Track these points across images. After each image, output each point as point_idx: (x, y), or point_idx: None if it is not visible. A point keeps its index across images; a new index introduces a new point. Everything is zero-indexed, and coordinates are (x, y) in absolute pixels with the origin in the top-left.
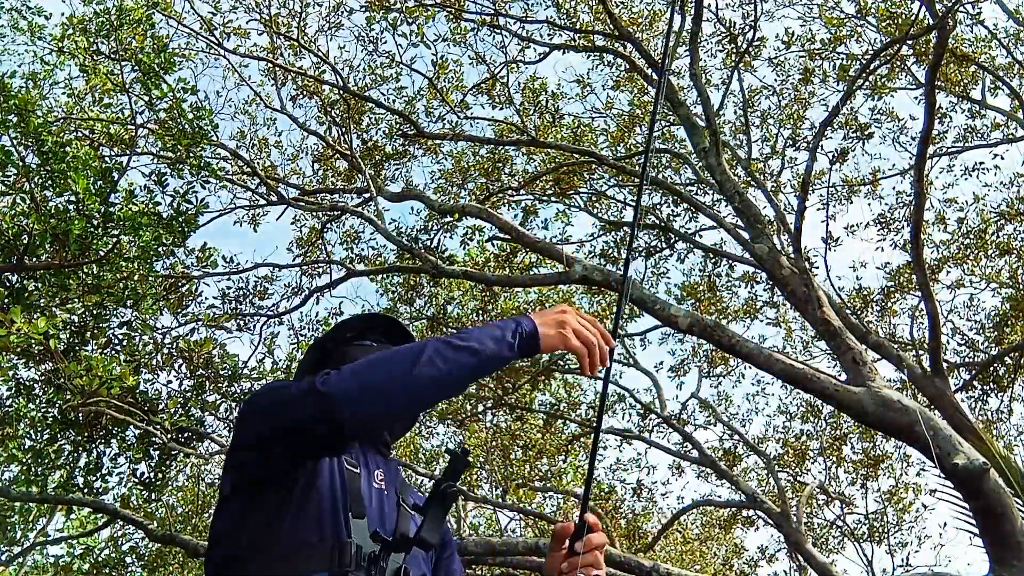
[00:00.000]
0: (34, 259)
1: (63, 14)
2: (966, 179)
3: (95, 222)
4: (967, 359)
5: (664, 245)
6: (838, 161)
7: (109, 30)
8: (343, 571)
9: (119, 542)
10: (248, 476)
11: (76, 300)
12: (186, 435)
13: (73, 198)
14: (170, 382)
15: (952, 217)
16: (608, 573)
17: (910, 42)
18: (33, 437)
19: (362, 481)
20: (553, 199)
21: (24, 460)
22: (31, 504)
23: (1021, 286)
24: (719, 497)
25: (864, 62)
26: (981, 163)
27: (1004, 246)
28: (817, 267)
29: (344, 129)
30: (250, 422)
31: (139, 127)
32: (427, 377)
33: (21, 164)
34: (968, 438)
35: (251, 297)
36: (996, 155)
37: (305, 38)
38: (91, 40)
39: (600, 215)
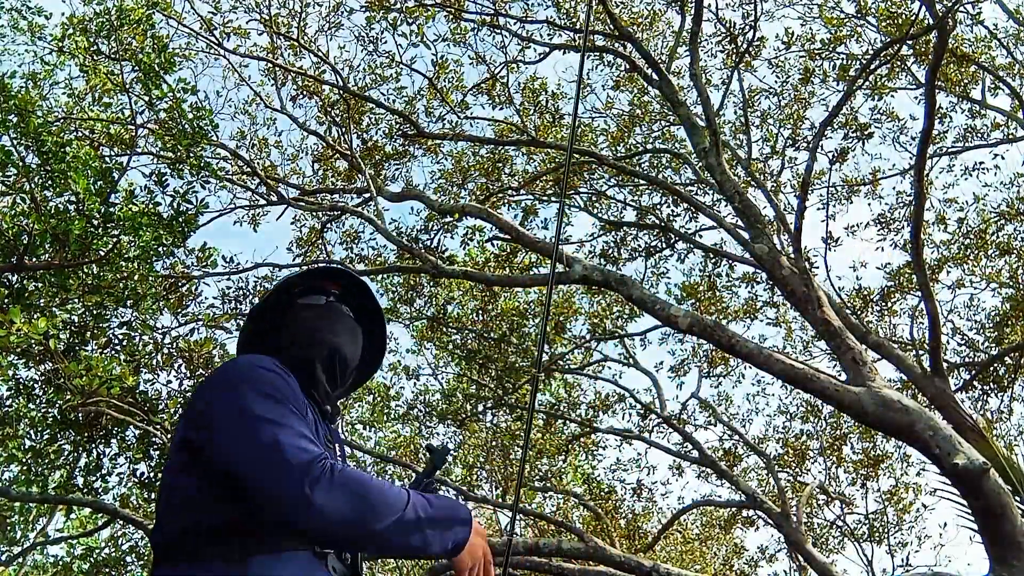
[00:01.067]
0: (34, 259)
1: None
2: (966, 179)
3: (95, 222)
4: (967, 359)
5: (664, 245)
6: (838, 161)
7: (109, 30)
8: (323, 552)
9: (119, 542)
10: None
11: (76, 300)
12: None
13: (73, 198)
14: (170, 382)
15: (952, 217)
16: (608, 573)
17: (910, 42)
18: (33, 437)
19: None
20: (553, 199)
21: (24, 460)
22: (31, 504)
23: (1021, 286)
24: (719, 497)
25: (864, 62)
26: (981, 163)
27: (1004, 246)
28: (817, 267)
29: (344, 129)
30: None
31: (139, 127)
32: (394, 536)
33: (21, 164)
34: (968, 438)
35: (251, 297)
36: (996, 155)
37: (305, 38)
38: (91, 40)
39: (600, 215)
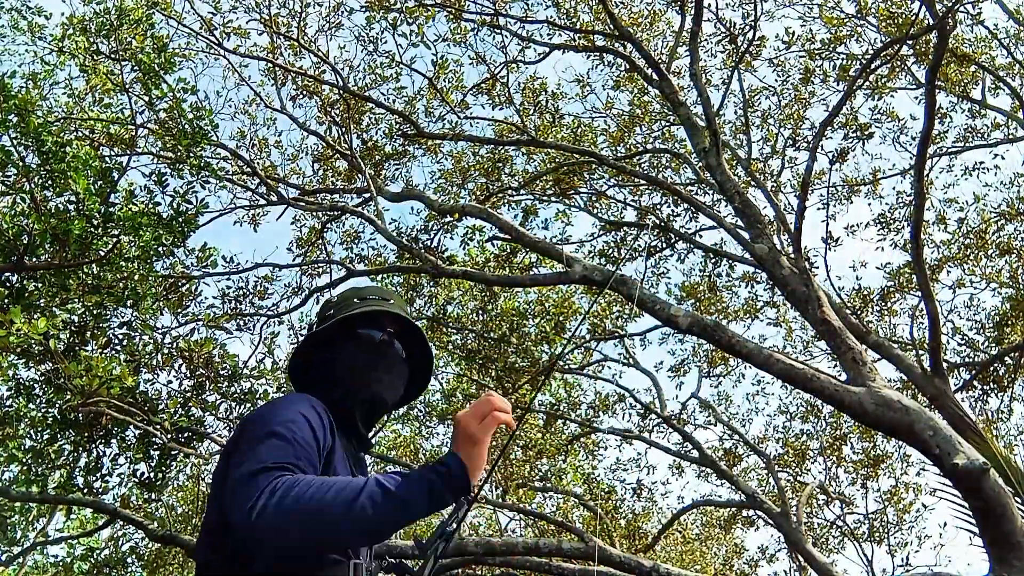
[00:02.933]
0: (34, 259)
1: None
2: (966, 179)
3: (95, 222)
4: (967, 359)
5: (664, 245)
6: (838, 161)
7: (109, 30)
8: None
9: (119, 542)
10: None
11: (76, 300)
12: (186, 435)
13: (73, 198)
14: (170, 382)
15: (952, 217)
16: (608, 573)
17: (910, 42)
18: (33, 437)
19: None
20: (553, 199)
21: (24, 460)
22: (31, 504)
23: (1021, 286)
24: (719, 497)
25: (864, 62)
26: (981, 163)
27: (1004, 246)
28: (817, 267)
29: (344, 129)
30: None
31: (139, 127)
32: (354, 524)
33: (21, 164)
34: (968, 438)
35: (251, 297)
36: (996, 155)
37: (305, 38)
38: (91, 40)
39: (600, 215)
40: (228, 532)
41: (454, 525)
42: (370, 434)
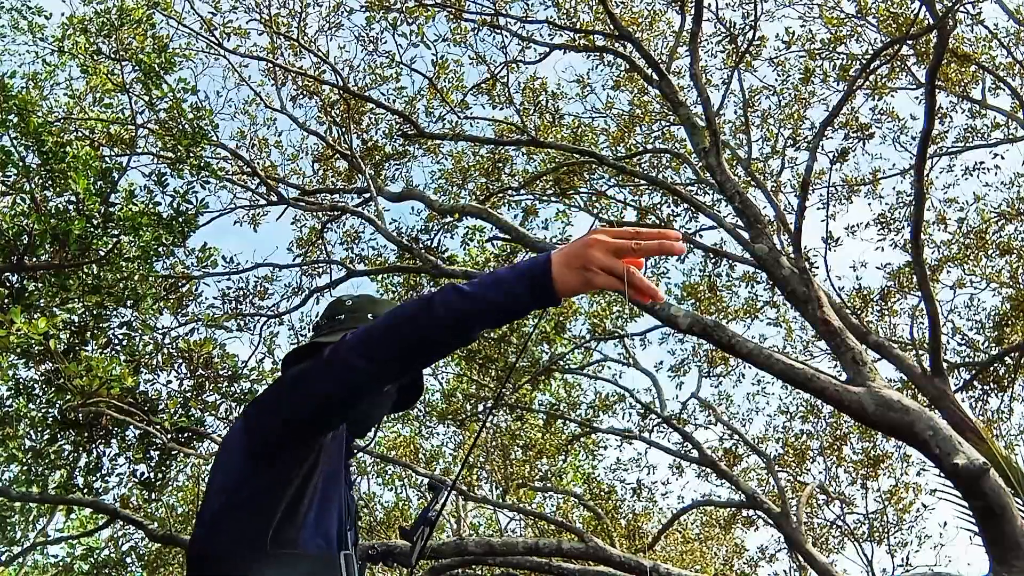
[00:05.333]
0: (34, 259)
1: (63, 14)
2: (966, 179)
3: (95, 222)
4: (967, 359)
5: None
6: (838, 161)
7: (109, 30)
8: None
9: (119, 542)
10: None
11: (76, 300)
12: (186, 435)
13: (73, 198)
14: (170, 382)
15: (952, 217)
16: (608, 573)
17: (910, 42)
18: (33, 437)
19: (350, 491)
20: (553, 199)
21: (24, 460)
22: (31, 504)
23: (1021, 286)
24: (719, 497)
25: (864, 62)
26: (981, 163)
27: (1004, 246)
28: (817, 267)
29: (344, 129)
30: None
31: (139, 127)
32: (434, 326)
33: (21, 164)
34: (968, 438)
35: (251, 297)
36: (996, 155)
37: (305, 38)
38: (91, 40)
39: (600, 215)
40: (228, 522)
41: (437, 509)
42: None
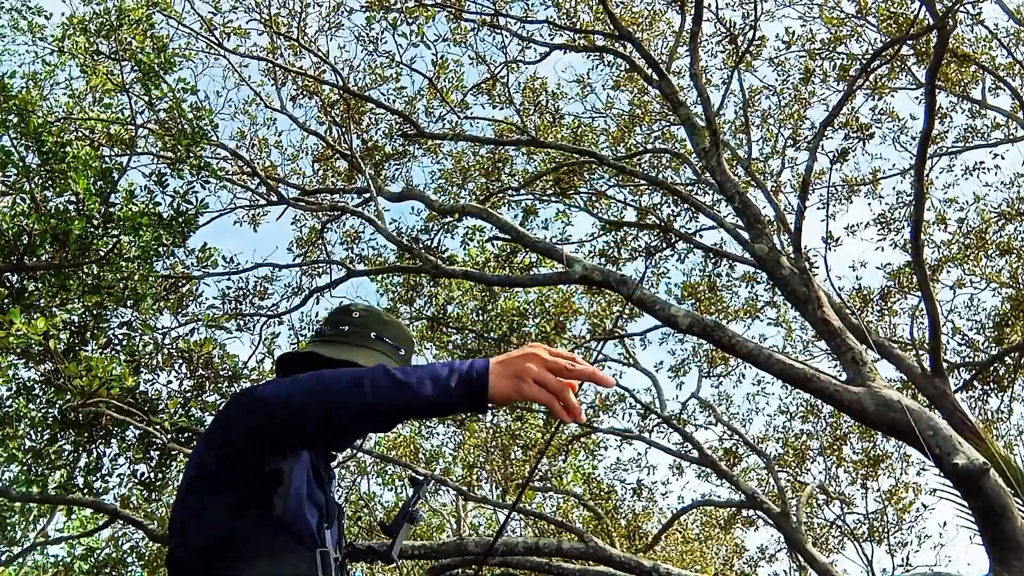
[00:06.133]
0: (34, 259)
1: (63, 14)
2: (966, 179)
3: (95, 222)
4: (967, 359)
5: (664, 245)
6: (838, 161)
7: (109, 30)
8: (322, 551)
9: (119, 542)
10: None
11: (76, 300)
12: (186, 435)
13: (73, 198)
14: (170, 382)
15: (952, 217)
16: (608, 573)
17: (910, 42)
18: (33, 437)
19: (330, 492)
20: (553, 199)
21: (24, 460)
22: (31, 504)
23: (1021, 286)
24: (719, 497)
25: (864, 62)
26: (981, 163)
27: (1004, 246)
28: (817, 267)
29: (344, 129)
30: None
31: (139, 127)
32: (357, 401)
33: (21, 164)
34: (968, 438)
35: (251, 297)
36: (996, 155)
37: (305, 38)
38: (91, 40)
39: (600, 215)
40: (206, 524)
41: (416, 504)
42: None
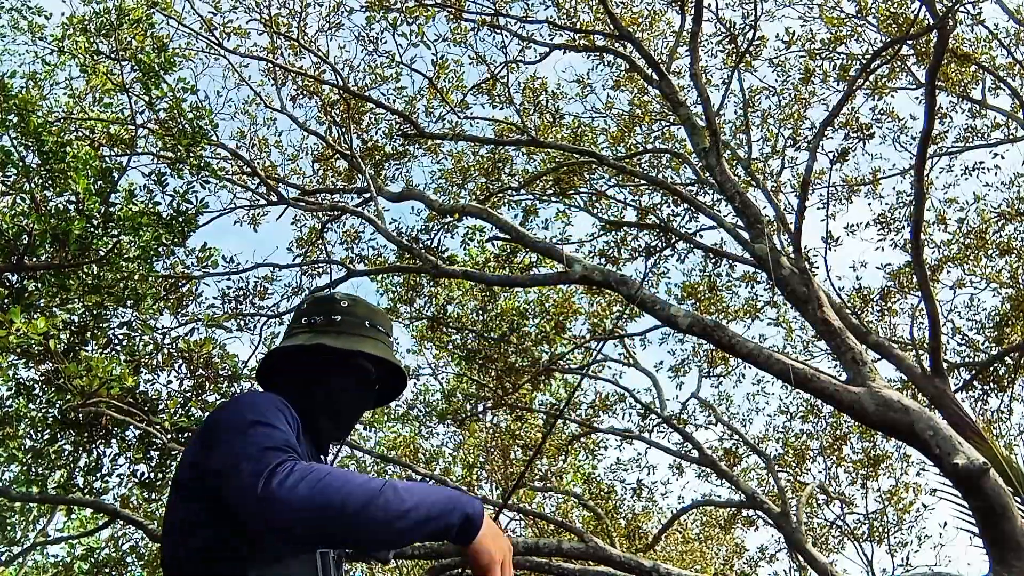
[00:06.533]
0: (34, 259)
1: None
2: (966, 179)
3: (95, 222)
4: (967, 359)
5: (664, 245)
6: (838, 161)
7: (109, 30)
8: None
9: (119, 542)
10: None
11: (76, 300)
12: (186, 435)
13: (73, 198)
14: (170, 382)
15: (952, 217)
16: (608, 573)
17: (910, 42)
18: (33, 437)
19: None
20: (553, 199)
21: (24, 460)
22: (31, 504)
23: (1021, 286)
24: (719, 497)
25: (864, 62)
26: (981, 163)
27: (1004, 246)
28: (817, 267)
29: (344, 129)
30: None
31: (139, 127)
32: (372, 521)
33: (21, 164)
34: (968, 438)
35: (251, 297)
36: (996, 155)
37: (305, 38)
38: (91, 40)
39: (600, 215)
40: (204, 525)
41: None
42: (322, 453)
